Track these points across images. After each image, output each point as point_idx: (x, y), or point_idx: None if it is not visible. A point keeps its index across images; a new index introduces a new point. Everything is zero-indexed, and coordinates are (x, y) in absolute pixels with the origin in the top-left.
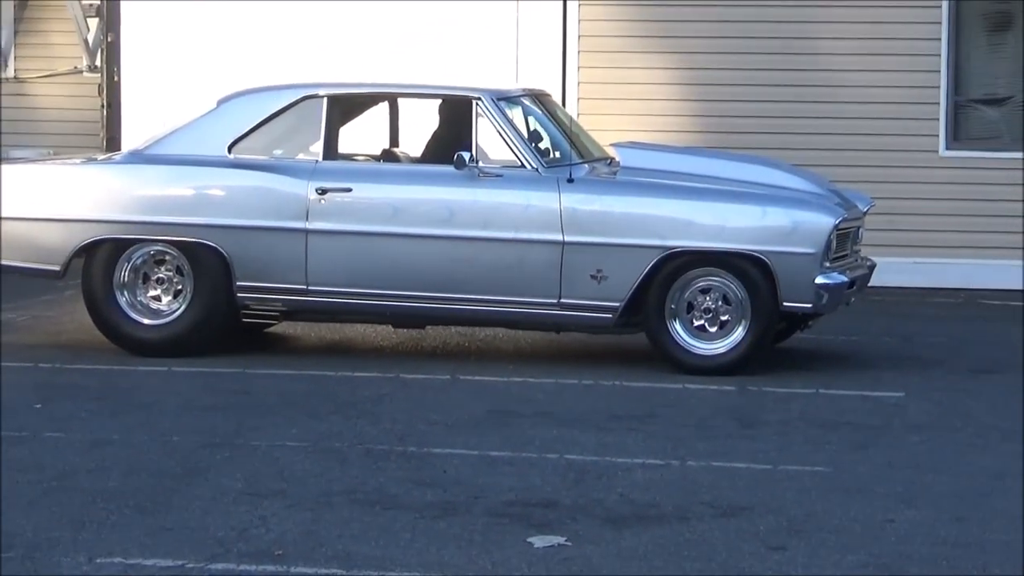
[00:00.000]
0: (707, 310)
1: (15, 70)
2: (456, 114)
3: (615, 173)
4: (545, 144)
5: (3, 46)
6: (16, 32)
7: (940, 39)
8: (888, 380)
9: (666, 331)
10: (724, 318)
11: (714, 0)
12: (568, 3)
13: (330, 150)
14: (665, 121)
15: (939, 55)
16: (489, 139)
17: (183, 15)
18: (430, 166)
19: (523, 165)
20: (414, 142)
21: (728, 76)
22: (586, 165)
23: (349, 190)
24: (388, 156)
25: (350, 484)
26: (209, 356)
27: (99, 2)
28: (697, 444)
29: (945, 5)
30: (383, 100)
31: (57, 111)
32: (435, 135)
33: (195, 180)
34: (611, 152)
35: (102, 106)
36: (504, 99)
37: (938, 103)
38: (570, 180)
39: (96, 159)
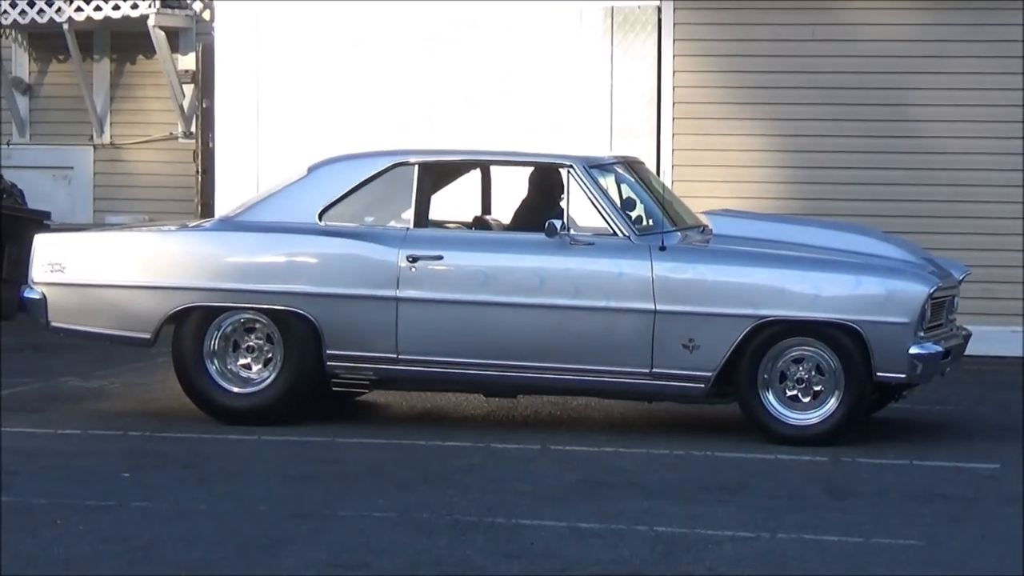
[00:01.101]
0: (799, 380)
1: (111, 136)
2: (547, 181)
3: (708, 241)
4: (637, 212)
5: (99, 112)
6: (112, 98)
7: None
8: (983, 451)
9: (758, 401)
10: (817, 388)
11: (808, 67)
12: (663, 69)
13: (421, 218)
14: (758, 188)
15: None
16: (581, 206)
17: (277, 81)
18: (521, 234)
19: (615, 233)
20: (505, 209)
21: (821, 143)
22: (678, 233)
23: (440, 258)
24: (479, 223)
25: (437, 556)
26: (298, 425)
27: (194, 68)
28: (788, 516)
29: None
30: (474, 167)
31: (152, 177)
32: (526, 202)
33: (285, 247)
34: (703, 220)
35: (197, 172)
36: (596, 166)
37: None
38: (662, 248)
39: (187, 225)
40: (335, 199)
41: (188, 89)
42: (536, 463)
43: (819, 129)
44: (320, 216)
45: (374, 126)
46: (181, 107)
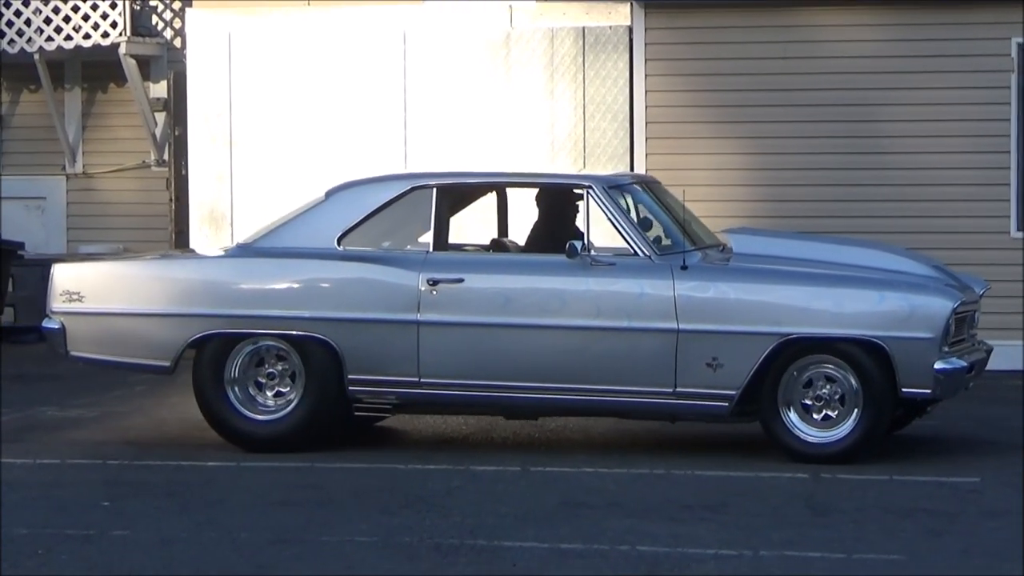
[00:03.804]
0: (819, 398)
1: (83, 165)
2: (565, 203)
3: (728, 259)
4: (656, 231)
5: (71, 141)
6: (84, 127)
7: (1010, 120)
8: (964, 465)
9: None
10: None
11: (779, 84)
12: (635, 89)
13: (440, 241)
14: (732, 206)
15: (1009, 136)
16: (600, 227)
17: (249, 108)
18: (542, 255)
19: (636, 253)
20: (523, 231)
21: (794, 160)
22: (698, 252)
23: (461, 281)
24: (498, 246)
25: None
26: (280, 451)
27: (166, 96)
28: (770, 533)
29: (1014, 85)
30: (492, 190)
31: (125, 205)
32: (543, 224)
33: (305, 273)
34: (723, 238)
35: (170, 200)
36: (615, 187)
37: (1008, 184)
38: (684, 267)
39: (199, 254)
40: (354, 224)
41: (160, 117)
42: (516, 485)
43: (792, 146)
44: (339, 241)
45: (346, 151)
46: (153, 135)
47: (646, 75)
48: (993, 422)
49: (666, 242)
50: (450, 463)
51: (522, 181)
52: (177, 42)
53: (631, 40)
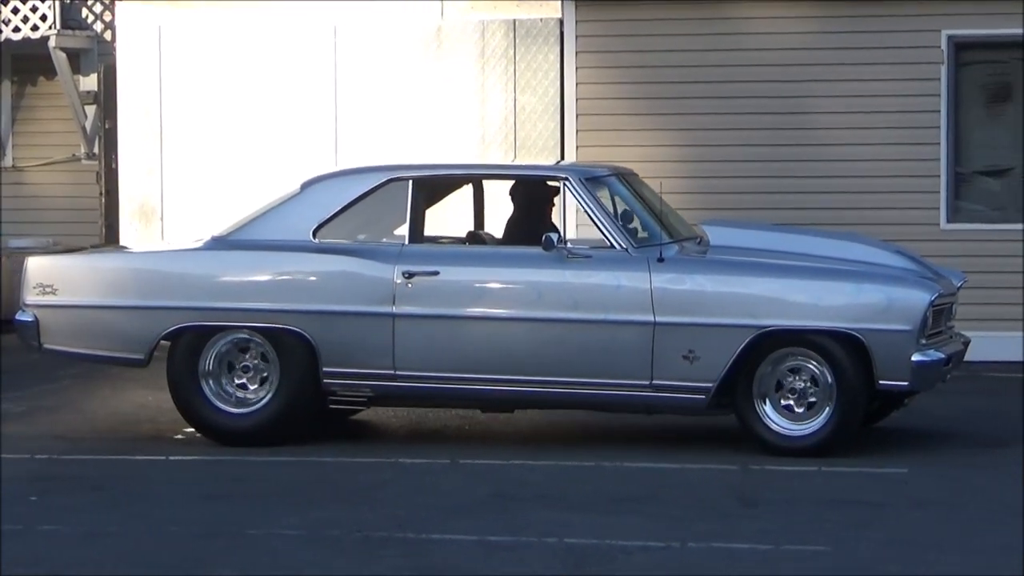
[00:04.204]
0: (793, 390)
1: (13, 159)
2: (542, 195)
3: (705, 252)
4: (633, 224)
5: (1, 135)
6: (13, 120)
7: (940, 111)
8: (891, 456)
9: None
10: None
11: (710, 76)
12: (566, 81)
13: (416, 233)
14: (665, 198)
15: (939, 127)
16: (577, 219)
17: (180, 101)
18: (518, 248)
19: (612, 245)
20: (500, 223)
21: (726, 152)
22: (675, 244)
23: (436, 273)
24: (474, 238)
25: (346, 572)
26: (208, 443)
27: (96, 89)
28: (698, 525)
29: (944, 77)
30: (468, 182)
31: (56, 199)
32: (519, 216)
33: (280, 265)
34: (699, 231)
35: (100, 194)
36: (591, 179)
37: (938, 176)
38: (660, 259)
39: (173, 246)
40: (329, 216)
41: (90, 110)
42: (446, 477)
43: (722, 138)
44: (314, 233)
45: (277, 145)
46: (84, 128)
47: (577, 67)
48: (918, 413)
49: (643, 234)
50: (380, 456)
51: (499, 173)
52: (108, 35)
53: (562, 32)
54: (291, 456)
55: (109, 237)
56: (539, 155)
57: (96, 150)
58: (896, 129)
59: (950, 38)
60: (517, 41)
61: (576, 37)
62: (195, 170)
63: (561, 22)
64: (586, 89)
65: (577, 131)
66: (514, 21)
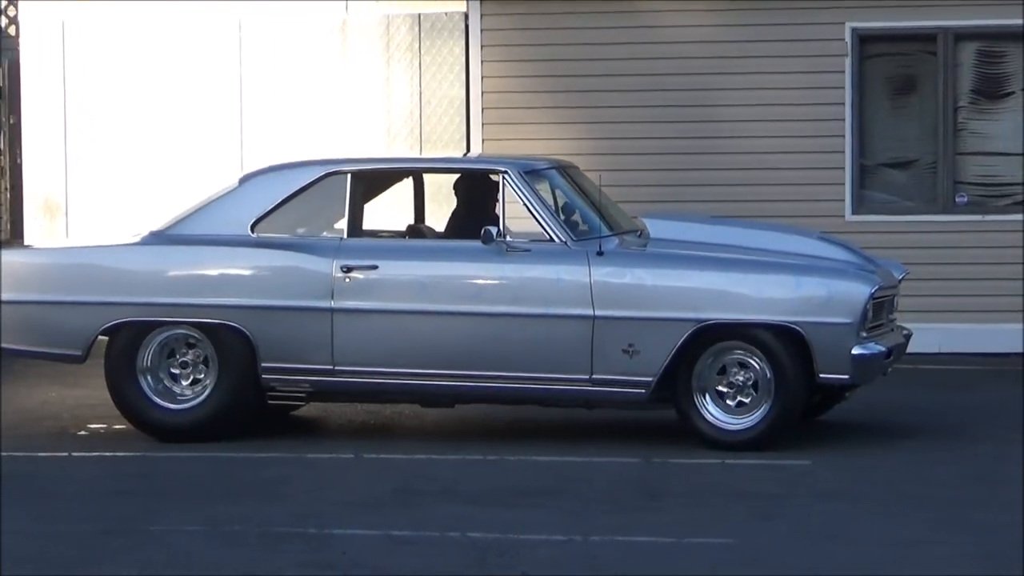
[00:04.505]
0: (732, 384)
1: None
2: (483, 188)
3: (645, 245)
4: (574, 217)
5: None
6: None
7: (844, 104)
8: (796, 448)
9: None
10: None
11: (616, 70)
12: (471, 75)
13: (355, 227)
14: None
15: (843, 119)
16: (516, 213)
17: (84, 96)
18: (457, 241)
19: (552, 239)
20: (441, 216)
21: (632, 145)
22: (616, 237)
23: (375, 267)
24: (414, 232)
25: (247, 568)
26: (114, 440)
27: (0, 84)
28: (602, 519)
29: (848, 69)
30: (408, 175)
31: None
32: (460, 209)
33: (217, 260)
34: (640, 224)
35: (4, 189)
36: (530, 171)
37: (843, 168)
38: (600, 253)
39: (111, 242)
40: (267, 210)
41: None
42: (350, 472)
43: (628, 131)
44: (252, 228)
45: (183, 141)
46: None
47: (482, 61)
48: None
49: (583, 228)
50: (284, 451)
51: (437, 166)
52: (12, 30)
53: (467, 26)
54: (195, 452)
55: (14, 232)
56: (445, 148)
57: (1, 146)
58: (801, 121)
59: (854, 30)
60: (422, 35)
61: (481, 31)
62: (100, 165)
63: (466, 16)
64: (492, 83)
65: (483, 124)
66: (419, 15)
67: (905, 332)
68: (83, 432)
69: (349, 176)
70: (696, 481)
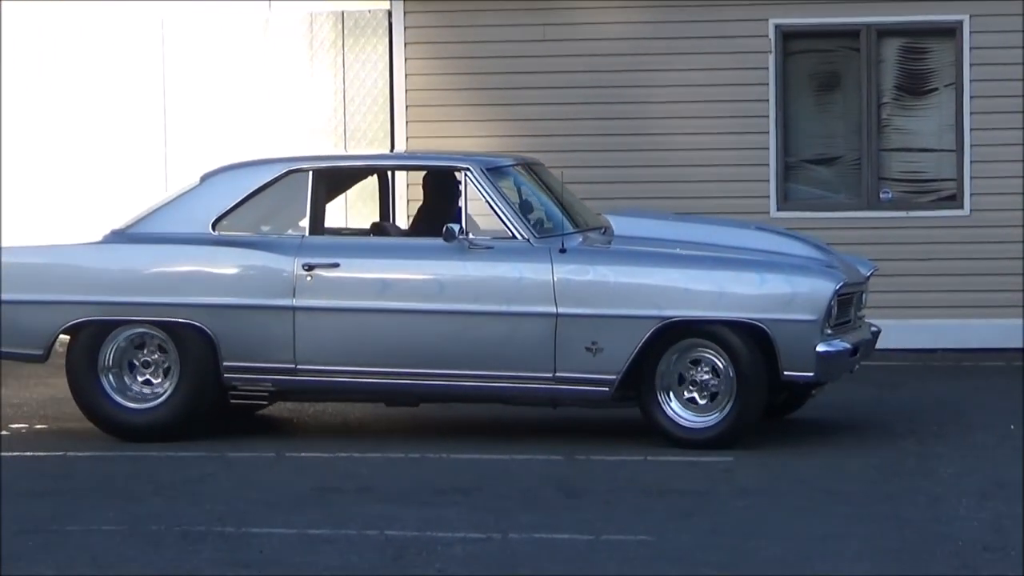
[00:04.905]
0: (695, 382)
1: None
2: (446, 185)
3: (609, 242)
4: (537, 214)
5: None
6: None
7: (768, 100)
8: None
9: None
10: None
11: (540, 67)
12: (395, 72)
13: (317, 225)
14: None
15: (768, 116)
16: (479, 210)
17: (15, 99)
18: (419, 239)
19: (514, 236)
20: (405, 214)
21: (556, 143)
22: (579, 235)
23: (336, 265)
24: (377, 229)
25: (164, 568)
26: (32, 440)
27: None
28: (520, 516)
29: (772, 66)
30: (370, 173)
31: None
32: (424, 207)
33: (178, 258)
34: (604, 221)
35: None
36: (493, 168)
37: (768, 164)
38: (562, 250)
39: (71, 241)
40: (229, 208)
41: None
42: (271, 471)
43: (553, 128)
44: (214, 226)
45: (106, 141)
46: None
47: (406, 59)
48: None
49: (547, 225)
50: (204, 450)
51: (399, 164)
52: None
53: (391, 24)
54: (115, 452)
55: None
56: (369, 146)
57: None
58: (726, 118)
59: (777, 27)
60: (346, 33)
61: (405, 28)
62: (33, 166)
63: (390, 13)
64: (415, 80)
65: (407, 121)
66: (342, 13)
67: (873, 329)
68: (5, 432)
69: (311, 174)
70: (618, 478)
